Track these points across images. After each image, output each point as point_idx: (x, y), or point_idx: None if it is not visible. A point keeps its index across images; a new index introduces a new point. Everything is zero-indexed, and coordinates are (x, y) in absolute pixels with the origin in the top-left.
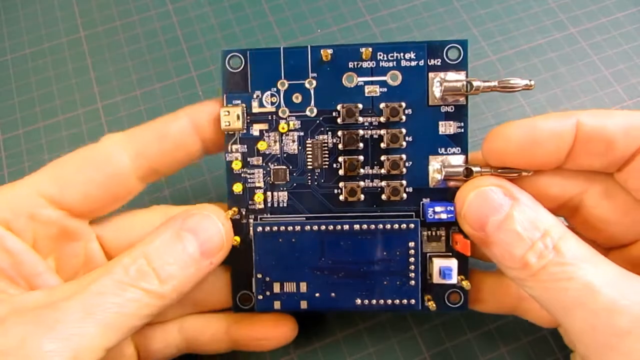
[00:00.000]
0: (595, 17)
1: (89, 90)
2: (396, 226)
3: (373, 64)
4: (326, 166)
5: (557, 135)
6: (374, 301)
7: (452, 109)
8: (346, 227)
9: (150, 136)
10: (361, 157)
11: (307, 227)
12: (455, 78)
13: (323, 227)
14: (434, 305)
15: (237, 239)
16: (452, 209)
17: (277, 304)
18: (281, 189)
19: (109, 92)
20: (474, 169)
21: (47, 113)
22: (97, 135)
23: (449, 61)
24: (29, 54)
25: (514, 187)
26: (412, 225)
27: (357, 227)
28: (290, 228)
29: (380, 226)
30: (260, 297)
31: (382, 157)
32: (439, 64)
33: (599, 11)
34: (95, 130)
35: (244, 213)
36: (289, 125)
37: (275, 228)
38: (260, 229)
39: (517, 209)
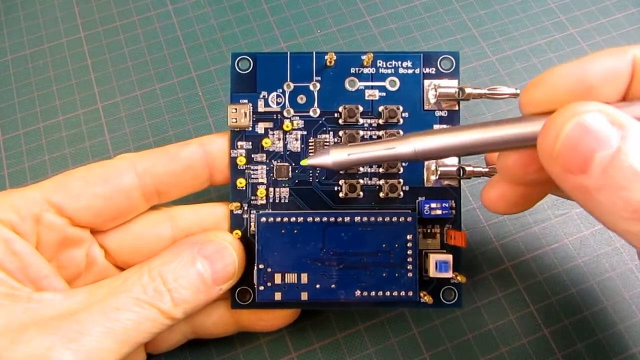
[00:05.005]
0: (595, 18)
1: (89, 90)
2: (395, 219)
3: (373, 70)
4: None
5: (611, 77)
6: (372, 293)
7: (445, 113)
8: (347, 219)
9: (160, 156)
10: None
11: (310, 219)
12: (448, 85)
13: (325, 219)
14: (431, 299)
15: (238, 232)
16: (447, 205)
17: (277, 295)
18: (283, 185)
19: (109, 93)
20: (467, 168)
21: (47, 113)
22: (97, 135)
23: (442, 70)
24: (29, 54)
25: (618, 111)
26: (409, 218)
27: (357, 219)
28: (293, 219)
29: (380, 218)
30: (262, 287)
31: None
32: (433, 72)
33: (599, 12)
34: (95, 130)
35: (245, 208)
36: (292, 124)
37: (278, 219)
38: (263, 219)
39: (630, 140)
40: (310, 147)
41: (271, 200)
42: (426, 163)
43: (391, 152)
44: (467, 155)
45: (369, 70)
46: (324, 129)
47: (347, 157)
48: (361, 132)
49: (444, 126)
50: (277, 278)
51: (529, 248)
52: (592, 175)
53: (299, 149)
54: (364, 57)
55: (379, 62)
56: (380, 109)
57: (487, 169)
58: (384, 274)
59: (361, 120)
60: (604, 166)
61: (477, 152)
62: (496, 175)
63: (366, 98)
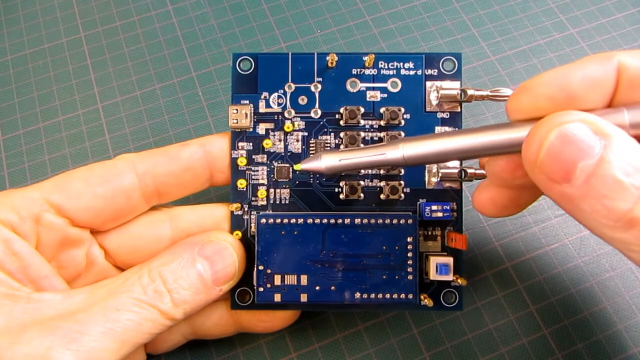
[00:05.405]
0: (595, 18)
1: (89, 90)
2: (395, 221)
3: (375, 71)
4: None
5: (594, 84)
6: (372, 295)
7: (447, 115)
8: (347, 221)
9: (160, 156)
10: None
11: (310, 220)
12: (451, 86)
13: (325, 221)
14: (431, 301)
15: (239, 233)
16: (448, 207)
17: (277, 297)
18: (284, 186)
19: (109, 93)
20: (469, 170)
21: (47, 113)
22: (97, 135)
23: (444, 72)
24: (29, 54)
25: (602, 120)
26: (410, 221)
27: (358, 221)
28: (293, 220)
29: (380, 220)
30: (261, 289)
31: None
32: (435, 73)
33: (599, 12)
34: (95, 130)
35: (246, 209)
36: (293, 125)
37: (278, 220)
38: (264, 220)
39: (612, 149)
40: (311, 148)
41: (271, 202)
42: (427, 165)
43: (381, 157)
44: (456, 160)
45: (371, 72)
46: (325, 130)
47: (338, 163)
48: (362, 134)
49: (446, 128)
50: (277, 279)
51: (529, 248)
52: (575, 184)
53: (299, 150)
54: (365, 58)
55: (381, 63)
56: (382, 110)
57: None
58: (384, 277)
59: (362, 122)
60: (586, 175)
61: (465, 158)
62: (486, 179)
63: (367, 99)
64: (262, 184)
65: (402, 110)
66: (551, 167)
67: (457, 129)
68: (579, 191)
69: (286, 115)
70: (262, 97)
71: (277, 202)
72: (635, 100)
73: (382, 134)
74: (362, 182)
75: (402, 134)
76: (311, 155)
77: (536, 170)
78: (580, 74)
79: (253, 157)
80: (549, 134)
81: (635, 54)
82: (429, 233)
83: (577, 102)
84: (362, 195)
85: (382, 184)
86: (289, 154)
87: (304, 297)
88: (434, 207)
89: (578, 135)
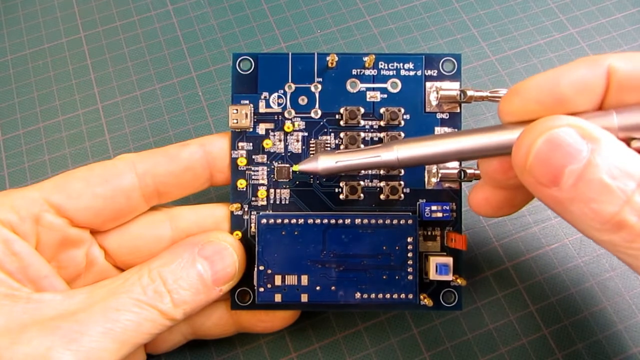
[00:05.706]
0: (595, 18)
1: (89, 90)
2: (395, 221)
3: (375, 72)
4: None
5: (584, 87)
6: (372, 295)
7: (447, 116)
8: (348, 221)
9: (160, 156)
10: None
11: (310, 220)
12: (450, 87)
13: (326, 221)
14: (431, 301)
15: (239, 233)
16: (447, 208)
17: (277, 297)
18: (284, 186)
19: (109, 93)
20: (469, 171)
21: (47, 113)
22: (97, 135)
23: (444, 72)
24: (29, 54)
25: (589, 124)
26: (410, 221)
27: (358, 221)
28: (293, 221)
29: (381, 221)
30: (262, 289)
31: None
32: (435, 74)
33: (599, 12)
34: (95, 130)
35: (246, 209)
36: (294, 125)
37: (279, 220)
38: (264, 220)
39: (600, 152)
40: (311, 149)
41: (272, 202)
42: (427, 165)
43: (377, 159)
44: (451, 162)
45: (371, 72)
46: (325, 130)
47: (335, 164)
48: (362, 134)
49: (445, 129)
50: (277, 280)
51: (529, 248)
52: (564, 188)
53: (300, 150)
54: (365, 58)
55: (381, 64)
56: (382, 110)
57: None
58: (384, 277)
59: (362, 122)
60: (574, 179)
61: (458, 160)
62: (480, 180)
63: (367, 100)
64: (262, 184)
65: (402, 110)
66: (540, 171)
67: (455, 129)
68: (568, 195)
69: (286, 115)
70: (262, 97)
71: (277, 202)
72: (625, 103)
73: (382, 135)
74: (362, 183)
75: (402, 134)
76: (309, 157)
77: (525, 174)
78: (570, 77)
79: (253, 157)
80: (538, 138)
81: (625, 57)
82: (429, 233)
83: (567, 105)
84: (362, 195)
85: (382, 184)
86: (289, 154)
87: (304, 297)
88: (434, 208)
89: (566, 140)
